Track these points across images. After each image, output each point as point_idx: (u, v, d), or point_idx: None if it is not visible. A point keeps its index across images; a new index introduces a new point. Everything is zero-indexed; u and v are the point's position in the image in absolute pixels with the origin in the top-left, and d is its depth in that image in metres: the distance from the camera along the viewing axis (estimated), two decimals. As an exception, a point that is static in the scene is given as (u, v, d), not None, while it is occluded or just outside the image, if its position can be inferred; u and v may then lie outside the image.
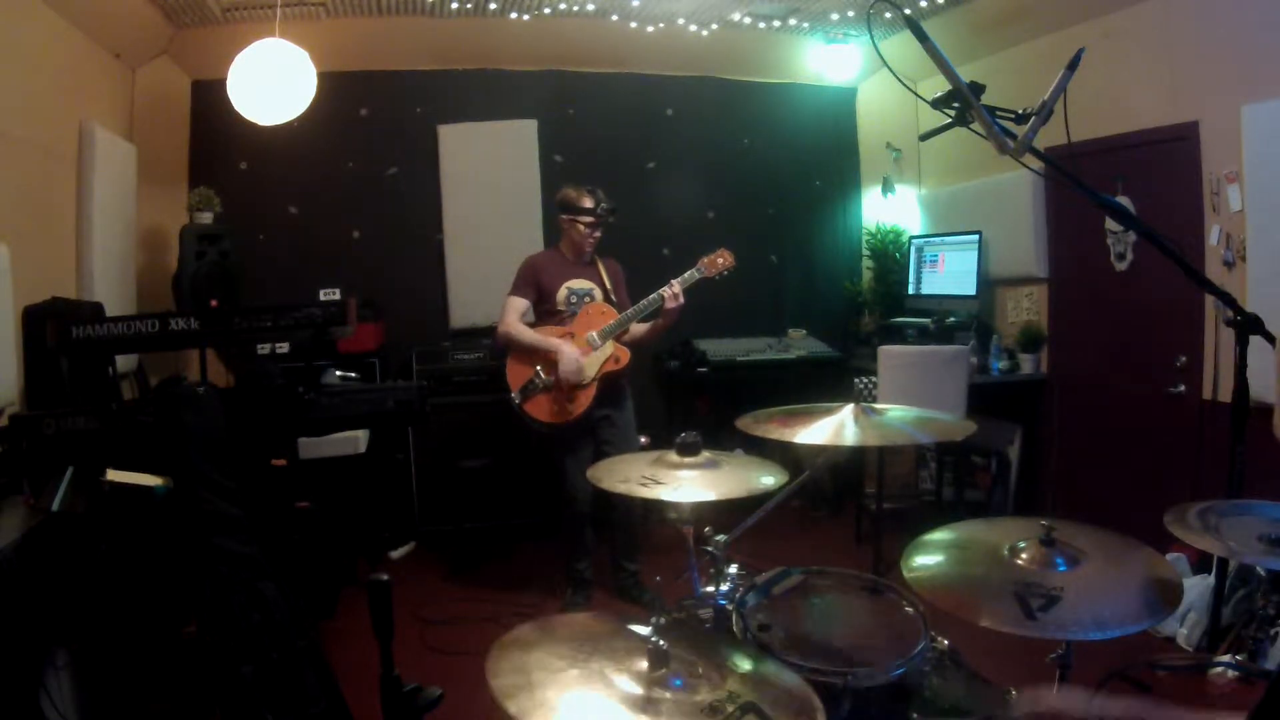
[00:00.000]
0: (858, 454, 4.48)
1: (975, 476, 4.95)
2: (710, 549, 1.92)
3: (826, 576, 1.99)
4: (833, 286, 5.86)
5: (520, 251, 4.02)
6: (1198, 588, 3.17)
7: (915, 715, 1.63)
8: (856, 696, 1.56)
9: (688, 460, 2.02)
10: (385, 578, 1.29)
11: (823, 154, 5.86)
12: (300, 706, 2.03)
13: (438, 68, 5.12)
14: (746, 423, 2.06)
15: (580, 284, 3.80)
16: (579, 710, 1.17)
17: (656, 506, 2.00)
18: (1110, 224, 4.14)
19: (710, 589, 1.89)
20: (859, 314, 5.78)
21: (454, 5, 4.48)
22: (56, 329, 2.32)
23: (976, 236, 4.78)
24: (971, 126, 1.78)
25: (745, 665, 1.35)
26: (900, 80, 1.94)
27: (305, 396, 2.38)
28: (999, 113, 1.76)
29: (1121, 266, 4.11)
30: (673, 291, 3.62)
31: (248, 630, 2.01)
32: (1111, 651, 1.52)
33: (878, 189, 5.79)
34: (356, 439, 4.12)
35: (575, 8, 4.57)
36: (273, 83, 3.63)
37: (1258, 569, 1.99)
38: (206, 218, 4.30)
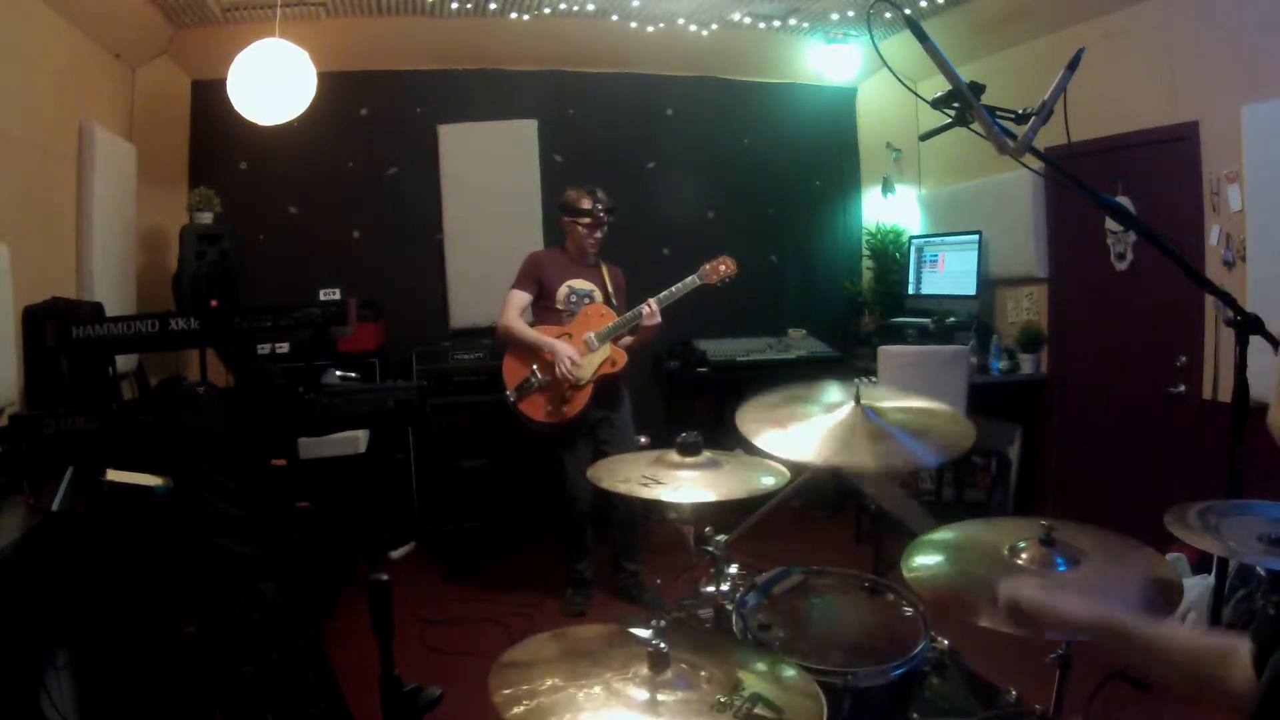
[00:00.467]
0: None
1: (975, 476, 4.95)
2: (710, 549, 1.92)
3: (826, 576, 1.99)
4: (833, 286, 5.86)
5: (520, 252, 4.02)
6: (1198, 588, 3.17)
7: (915, 715, 1.64)
8: (856, 696, 1.56)
9: (688, 460, 2.02)
10: (385, 578, 1.29)
11: (823, 154, 5.86)
12: (300, 706, 2.03)
13: (438, 68, 5.12)
14: (745, 418, 2.02)
15: (582, 284, 3.80)
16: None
17: (656, 506, 1.99)
18: (1110, 224, 4.14)
19: (710, 589, 1.89)
20: (859, 314, 5.77)
21: (454, 5, 4.48)
22: (56, 329, 2.32)
23: (976, 236, 4.78)
24: (971, 126, 1.78)
25: (747, 660, 1.36)
26: (900, 80, 1.94)
27: (305, 396, 2.38)
28: (999, 113, 1.76)
29: (1121, 266, 4.11)
30: (649, 309, 3.63)
31: (248, 630, 2.01)
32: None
33: (878, 189, 5.79)
34: (356, 439, 4.12)
35: (575, 8, 4.57)
36: (273, 83, 3.62)
37: (1258, 569, 1.99)
38: (206, 218, 4.30)
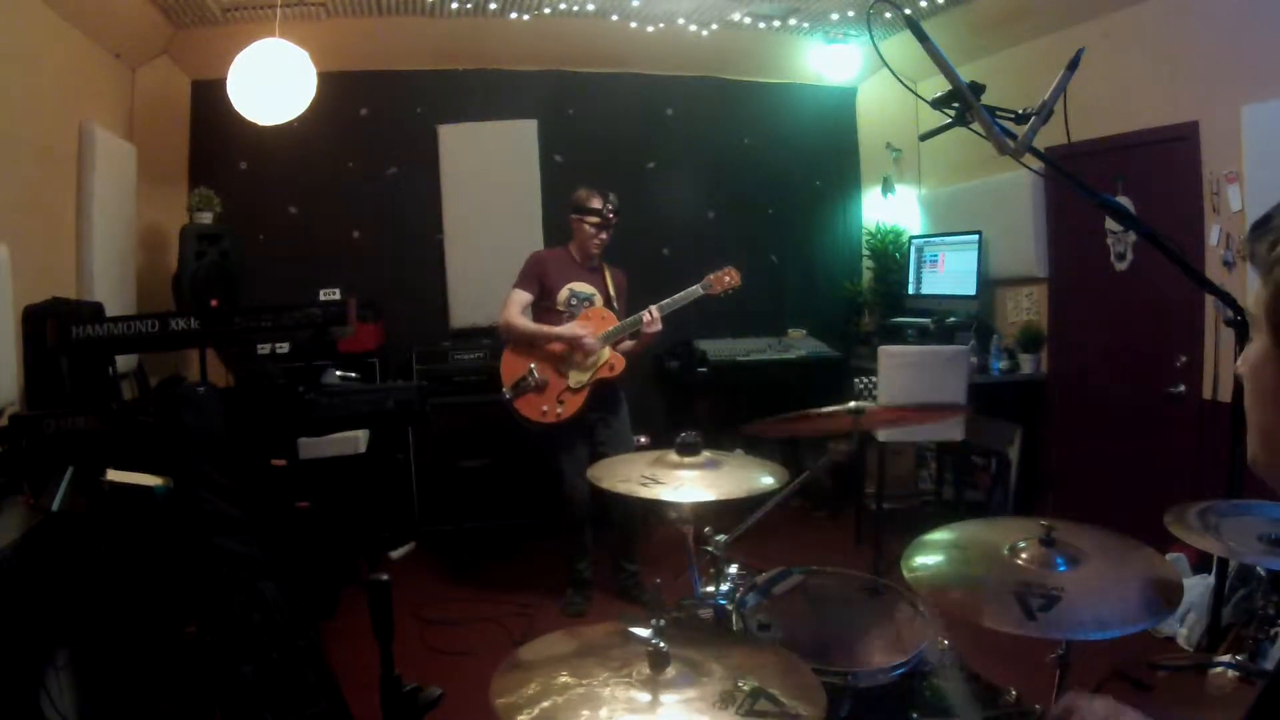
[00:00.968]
0: (858, 454, 4.49)
1: (975, 476, 4.95)
2: (710, 549, 1.92)
3: (826, 576, 1.99)
4: (833, 286, 5.85)
5: (520, 252, 4.02)
6: (1198, 588, 3.17)
7: (915, 715, 1.64)
8: (857, 696, 1.56)
9: (688, 460, 2.02)
10: (385, 578, 1.29)
11: (823, 154, 5.86)
12: (300, 706, 2.03)
13: (438, 68, 5.12)
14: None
15: (583, 287, 3.80)
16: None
17: (656, 506, 1.99)
18: (1110, 224, 4.14)
19: (710, 589, 1.89)
20: (859, 314, 5.77)
21: (454, 5, 4.48)
22: (56, 329, 2.31)
23: (976, 236, 4.78)
24: (971, 126, 1.78)
25: (748, 655, 1.36)
26: (900, 80, 1.94)
27: (305, 396, 2.38)
28: (999, 113, 1.76)
29: (1121, 266, 4.11)
30: (650, 317, 3.64)
31: (248, 630, 2.01)
32: (1111, 651, 1.52)
33: (878, 189, 5.79)
34: (356, 439, 4.12)
35: (575, 8, 4.57)
36: (273, 83, 3.62)
37: (1258, 569, 1.99)
38: (206, 218, 4.31)
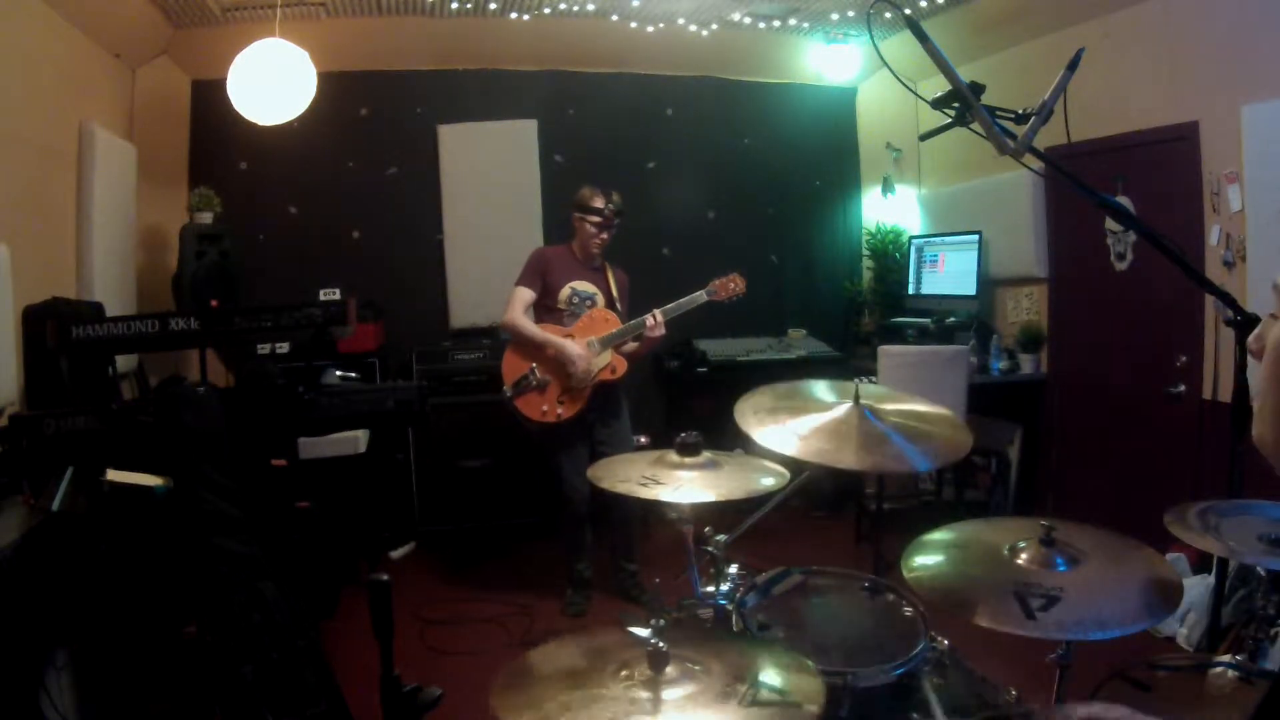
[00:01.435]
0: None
1: (975, 476, 4.95)
2: (710, 549, 1.92)
3: (826, 576, 1.99)
4: (833, 286, 5.86)
5: (520, 252, 4.01)
6: (1198, 588, 3.17)
7: (915, 715, 1.63)
8: (856, 696, 1.56)
9: (688, 460, 2.02)
10: (385, 578, 1.29)
11: (823, 154, 5.86)
12: (300, 706, 2.03)
13: (438, 68, 5.12)
14: (744, 409, 2.00)
15: (585, 287, 3.80)
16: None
17: (656, 507, 1.99)
18: (1110, 224, 4.14)
19: (710, 589, 1.89)
20: (859, 314, 5.77)
21: (454, 5, 4.48)
22: (56, 329, 2.32)
23: (976, 236, 4.78)
24: (971, 126, 1.77)
25: (747, 651, 1.38)
26: (900, 80, 1.93)
27: (305, 396, 2.38)
28: (999, 113, 1.75)
29: (1121, 266, 4.11)
30: (654, 321, 3.64)
31: (248, 630, 2.02)
32: (1111, 651, 1.52)
33: (878, 189, 5.79)
34: (356, 439, 4.12)
35: (575, 8, 4.57)
36: (273, 83, 3.62)
37: (1258, 569, 1.99)
38: (206, 218, 4.30)
